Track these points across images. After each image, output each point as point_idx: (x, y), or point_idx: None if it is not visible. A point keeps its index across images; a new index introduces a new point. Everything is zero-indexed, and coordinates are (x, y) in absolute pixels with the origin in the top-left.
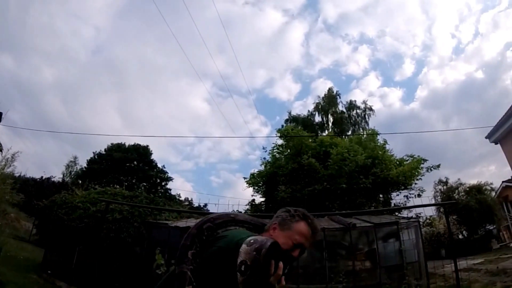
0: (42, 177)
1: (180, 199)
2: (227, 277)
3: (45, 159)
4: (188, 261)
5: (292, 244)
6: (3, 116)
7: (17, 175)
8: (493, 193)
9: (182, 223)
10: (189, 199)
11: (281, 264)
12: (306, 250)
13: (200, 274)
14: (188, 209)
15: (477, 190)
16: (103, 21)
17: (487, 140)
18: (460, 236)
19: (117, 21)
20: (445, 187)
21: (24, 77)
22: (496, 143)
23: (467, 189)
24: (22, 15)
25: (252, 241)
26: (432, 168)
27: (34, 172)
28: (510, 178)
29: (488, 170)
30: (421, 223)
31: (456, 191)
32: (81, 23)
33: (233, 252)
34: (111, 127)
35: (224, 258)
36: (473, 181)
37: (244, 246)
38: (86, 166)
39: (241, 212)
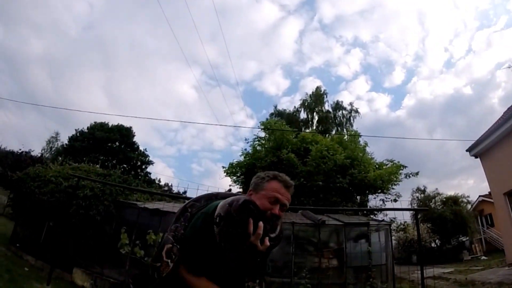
0: (20, 149)
1: (160, 184)
2: (211, 239)
3: (26, 133)
4: (171, 230)
5: (268, 202)
6: None
7: None
8: (469, 206)
9: (151, 205)
10: (169, 184)
11: (261, 223)
12: (286, 207)
13: (186, 242)
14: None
15: (454, 201)
16: None
17: (468, 154)
18: (433, 245)
19: None
20: (422, 195)
21: (12, 47)
22: (476, 157)
23: (444, 199)
24: None
25: (229, 198)
26: (410, 175)
27: (14, 145)
28: (487, 193)
29: (467, 184)
30: (395, 228)
31: (433, 200)
32: None
33: (212, 215)
34: (96, 106)
35: (206, 222)
36: (451, 193)
37: (220, 203)
38: (67, 143)
39: None
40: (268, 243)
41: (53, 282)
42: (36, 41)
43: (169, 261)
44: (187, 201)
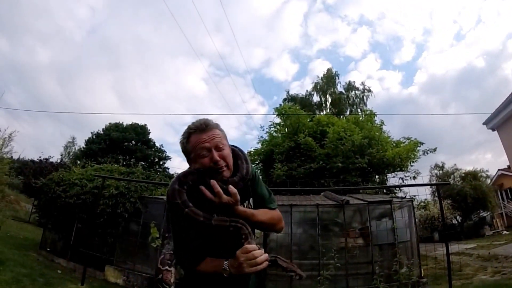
0: (40, 157)
1: None
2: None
3: (43, 141)
4: (164, 244)
5: (203, 157)
6: None
7: (16, 157)
8: (488, 181)
9: None
10: None
11: (212, 181)
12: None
13: (175, 242)
14: None
15: (473, 176)
16: (97, 1)
17: (484, 127)
18: (454, 221)
19: (111, 0)
20: (441, 171)
21: (19, 59)
22: (493, 130)
23: (463, 174)
24: None
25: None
26: (428, 152)
27: (32, 154)
28: (506, 167)
29: (484, 158)
30: (416, 205)
31: (452, 176)
32: (75, 2)
33: None
34: (108, 107)
35: (169, 217)
36: (469, 168)
37: None
38: (84, 146)
39: None
40: (234, 190)
41: (87, 281)
42: (42, 50)
43: (167, 267)
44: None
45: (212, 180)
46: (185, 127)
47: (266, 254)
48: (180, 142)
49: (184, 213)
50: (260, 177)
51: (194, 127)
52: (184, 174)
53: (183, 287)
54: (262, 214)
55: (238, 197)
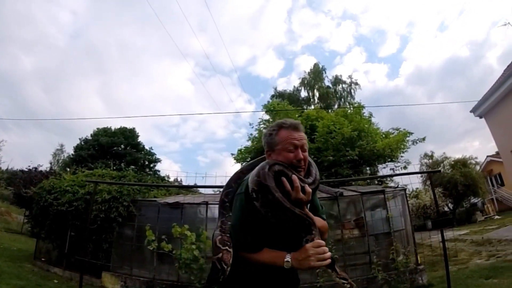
0: (29, 166)
1: (170, 180)
2: (256, 215)
3: (31, 150)
4: (217, 226)
5: (288, 152)
6: None
7: (4, 168)
8: (478, 167)
9: (171, 199)
10: (179, 179)
11: (294, 177)
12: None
13: (236, 227)
14: None
15: (462, 164)
16: (79, 5)
17: (471, 116)
18: (446, 209)
19: (94, 4)
20: (430, 160)
21: (2, 68)
22: (480, 117)
23: (452, 162)
24: None
25: (254, 171)
26: (417, 141)
27: (21, 164)
28: (495, 153)
29: (472, 146)
30: (408, 194)
31: (442, 164)
32: (57, 8)
33: (247, 193)
34: (95, 112)
35: (245, 202)
36: (458, 156)
37: (249, 178)
38: (73, 153)
39: None
40: (309, 189)
41: None
42: (26, 57)
43: (227, 247)
44: (221, 192)
45: (294, 175)
46: (174, 129)
47: (330, 253)
48: (267, 133)
49: (276, 196)
50: None
51: (288, 123)
52: (273, 163)
53: (231, 277)
54: (318, 221)
55: (310, 197)
